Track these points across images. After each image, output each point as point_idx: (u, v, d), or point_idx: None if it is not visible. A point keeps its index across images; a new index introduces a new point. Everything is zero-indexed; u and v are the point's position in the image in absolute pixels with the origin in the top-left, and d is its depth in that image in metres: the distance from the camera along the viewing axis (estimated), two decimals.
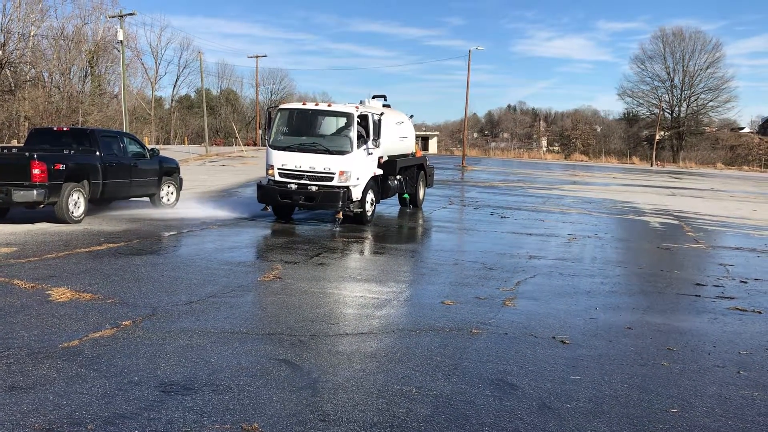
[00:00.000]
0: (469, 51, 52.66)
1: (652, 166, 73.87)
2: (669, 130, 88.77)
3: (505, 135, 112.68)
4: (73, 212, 13.30)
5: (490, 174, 42.95)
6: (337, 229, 14.59)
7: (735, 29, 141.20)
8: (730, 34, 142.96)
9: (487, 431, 4.56)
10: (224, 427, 4.40)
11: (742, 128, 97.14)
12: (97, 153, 14.38)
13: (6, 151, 14.35)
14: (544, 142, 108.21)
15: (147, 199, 16.78)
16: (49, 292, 7.70)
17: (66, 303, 7.27)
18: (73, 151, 14.18)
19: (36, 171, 12.48)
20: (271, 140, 15.09)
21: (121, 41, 38.44)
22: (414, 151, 19.49)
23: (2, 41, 47.49)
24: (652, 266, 12.03)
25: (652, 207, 24.54)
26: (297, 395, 5.01)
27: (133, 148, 16.06)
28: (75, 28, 55.67)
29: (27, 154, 12.88)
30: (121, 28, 38.05)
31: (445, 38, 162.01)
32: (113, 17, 45.66)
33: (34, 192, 12.48)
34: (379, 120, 15.24)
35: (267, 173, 15.05)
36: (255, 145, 64.81)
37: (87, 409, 4.58)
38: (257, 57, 66.35)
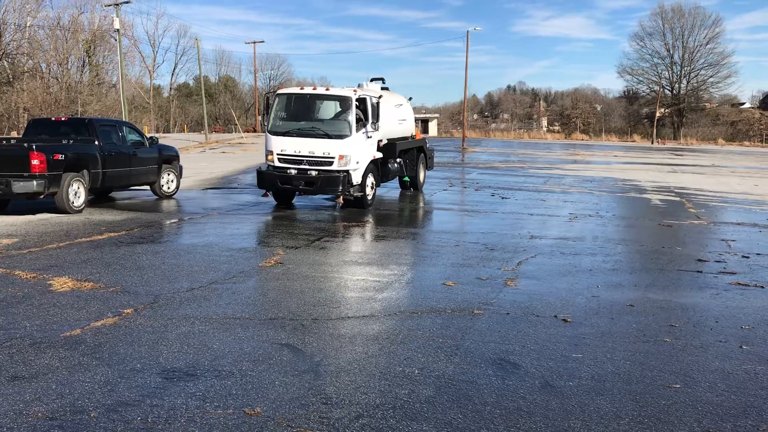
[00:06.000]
0: (468, 32, 52.43)
1: (652, 143, 73.66)
2: (669, 107, 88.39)
3: (506, 116, 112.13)
4: (73, 202, 13.30)
5: (491, 155, 42.82)
6: (338, 213, 14.57)
7: (734, 3, 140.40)
8: (729, 9, 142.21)
9: (490, 410, 4.57)
10: (227, 413, 4.40)
11: (743, 104, 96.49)
12: (96, 142, 14.34)
13: (5, 142, 14.32)
14: (544, 122, 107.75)
15: (147, 187, 16.76)
16: (51, 282, 7.71)
17: (67, 292, 7.28)
18: (71, 141, 14.15)
19: (35, 162, 12.46)
20: (269, 126, 15.02)
21: (118, 30, 38.27)
22: (414, 133, 19.41)
23: None
24: (653, 243, 12.01)
25: (654, 184, 24.48)
26: (299, 379, 5.02)
27: (132, 136, 16.01)
28: (71, 17, 55.33)
29: (26, 144, 12.86)
30: (117, 16, 37.84)
31: (444, 20, 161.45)
32: (109, 6, 45.22)
33: (34, 183, 12.47)
34: (378, 103, 15.16)
35: (266, 159, 15.00)
36: (255, 131, 64.56)
37: (89, 397, 4.59)
38: (255, 43, 66.19)
